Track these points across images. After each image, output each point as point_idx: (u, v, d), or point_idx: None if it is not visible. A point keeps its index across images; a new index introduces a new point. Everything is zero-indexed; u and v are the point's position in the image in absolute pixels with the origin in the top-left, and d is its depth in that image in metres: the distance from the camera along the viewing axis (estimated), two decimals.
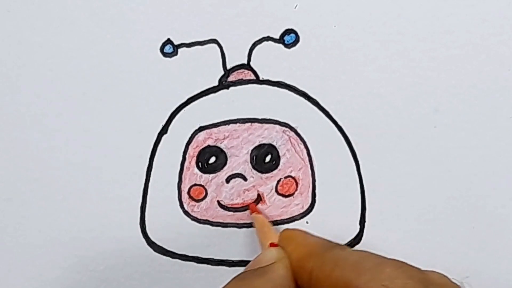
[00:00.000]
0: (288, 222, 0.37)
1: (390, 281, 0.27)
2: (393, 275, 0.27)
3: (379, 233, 0.37)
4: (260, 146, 0.37)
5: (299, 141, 0.37)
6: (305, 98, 0.37)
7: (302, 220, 0.37)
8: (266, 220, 0.36)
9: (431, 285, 0.27)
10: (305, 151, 0.37)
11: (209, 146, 0.37)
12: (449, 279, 0.29)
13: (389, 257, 0.29)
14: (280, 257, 0.32)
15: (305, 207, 0.37)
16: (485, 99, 0.37)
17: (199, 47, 0.36)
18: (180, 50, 0.36)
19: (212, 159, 0.37)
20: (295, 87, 0.37)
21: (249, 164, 0.37)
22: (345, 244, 0.37)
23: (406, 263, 0.29)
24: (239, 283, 0.30)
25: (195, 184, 0.37)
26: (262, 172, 0.37)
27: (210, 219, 0.37)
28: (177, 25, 0.36)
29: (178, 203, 0.37)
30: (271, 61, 0.37)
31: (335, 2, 0.36)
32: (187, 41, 0.36)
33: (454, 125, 0.37)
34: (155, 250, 0.37)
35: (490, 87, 0.37)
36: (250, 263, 0.32)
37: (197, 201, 0.37)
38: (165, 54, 0.36)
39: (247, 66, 0.37)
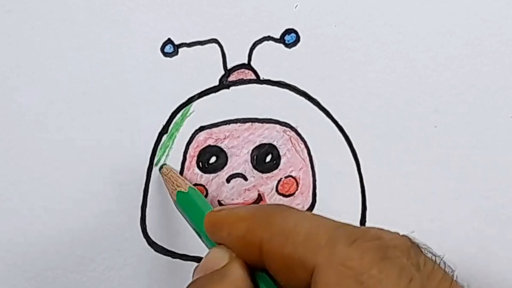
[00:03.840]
0: None
1: (347, 258, 0.25)
2: (348, 252, 0.25)
3: None
4: (261, 146, 0.37)
5: (300, 141, 0.37)
6: (305, 98, 0.37)
7: None
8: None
9: (389, 251, 0.25)
10: (305, 151, 0.37)
11: (209, 146, 0.37)
12: (408, 238, 0.27)
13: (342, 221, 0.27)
14: (232, 255, 0.29)
15: (306, 207, 0.37)
16: (485, 99, 0.37)
17: (199, 46, 0.36)
18: (180, 50, 0.36)
19: (213, 159, 0.37)
20: (295, 87, 0.37)
21: (250, 164, 0.37)
22: None
23: (358, 229, 0.27)
24: None
25: (196, 184, 0.37)
26: (262, 172, 0.37)
27: None
28: (177, 25, 0.36)
29: None
30: (271, 61, 0.37)
31: (335, 2, 0.36)
32: (187, 41, 0.36)
33: (454, 125, 0.37)
34: (155, 250, 0.37)
35: (490, 87, 0.37)
36: (199, 266, 0.29)
37: None
38: (165, 54, 0.36)
39: (247, 66, 0.37)
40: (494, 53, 0.36)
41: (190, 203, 0.34)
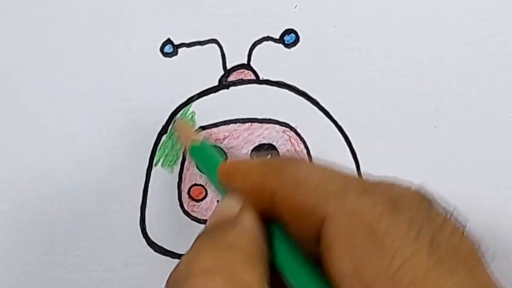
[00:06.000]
0: None
1: (357, 208, 0.24)
2: (359, 202, 0.25)
3: None
4: (260, 146, 0.37)
5: (299, 141, 0.37)
6: (305, 98, 0.37)
7: None
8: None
9: (400, 202, 0.25)
10: (305, 151, 0.37)
11: None
12: (419, 191, 0.26)
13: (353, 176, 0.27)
14: (244, 204, 0.28)
15: None
16: (485, 99, 0.37)
17: (199, 47, 0.36)
18: (180, 50, 0.36)
19: None
20: (295, 87, 0.37)
21: None
22: None
23: (370, 181, 0.26)
24: (210, 241, 0.27)
25: (195, 184, 0.37)
26: None
27: None
28: (177, 25, 0.36)
29: (178, 203, 0.37)
30: (271, 61, 0.37)
31: (335, 2, 0.36)
32: (187, 41, 0.36)
33: (454, 125, 0.37)
34: (155, 250, 0.37)
35: (490, 87, 0.37)
36: (212, 215, 0.29)
37: (197, 201, 0.37)
38: (165, 54, 0.36)
39: (247, 66, 0.37)
40: (494, 53, 0.36)
41: (203, 155, 0.34)
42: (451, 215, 0.26)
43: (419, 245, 0.23)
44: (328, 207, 0.25)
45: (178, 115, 0.36)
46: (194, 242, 0.27)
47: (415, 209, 0.25)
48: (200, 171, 0.35)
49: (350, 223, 0.24)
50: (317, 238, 0.25)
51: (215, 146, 0.36)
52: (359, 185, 0.26)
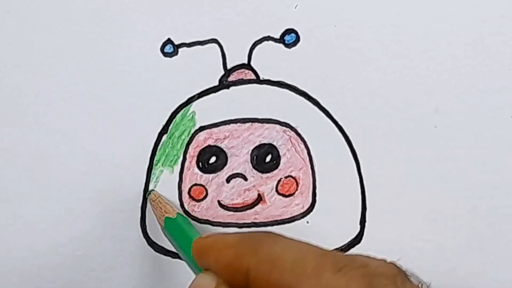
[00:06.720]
0: (288, 222, 0.37)
1: (333, 287, 0.25)
2: (335, 280, 0.25)
3: (379, 233, 0.37)
4: (261, 146, 0.37)
5: (300, 141, 0.37)
6: (305, 98, 0.37)
7: (302, 220, 0.37)
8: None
9: (376, 279, 0.25)
10: (305, 151, 0.37)
11: (209, 146, 0.37)
12: (394, 265, 0.27)
13: (354, 253, 0.28)
14: (219, 281, 0.29)
15: (306, 207, 0.37)
16: (485, 99, 0.37)
17: (199, 47, 0.36)
18: (180, 50, 0.36)
19: (213, 159, 0.37)
20: (295, 87, 0.37)
21: (250, 164, 0.37)
22: (345, 244, 0.37)
23: (345, 257, 0.27)
24: None
25: (196, 184, 0.37)
26: (262, 172, 0.37)
27: (211, 219, 0.37)
28: (177, 25, 0.36)
29: (178, 203, 0.37)
30: (271, 61, 0.37)
31: (335, 2, 0.36)
32: (187, 41, 0.36)
33: (454, 125, 0.37)
34: (155, 250, 0.37)
35: (490, 87, 0.37)
36: None
37: (198, 201, 0.37)
38: (165, 54, 0.36)
39: (247, 66, 0.37)
40: (494, 53, 0.36)
41: (178, 229, 0.34)
42: None
43: None
44: (304, 286, 0.25)
45: (150, 191, 0.37)
46: None
47: (391, 285, 0.25)
48: (174, 247, 0.34)
49: None
50: None
51: (189, 221, 0.36)
52: (334, 261, 0.26)
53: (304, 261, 0.26)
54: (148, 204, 0.37)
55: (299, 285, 0.25)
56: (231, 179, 0.37)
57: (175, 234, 0.34)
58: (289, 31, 0.36)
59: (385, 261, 0.27)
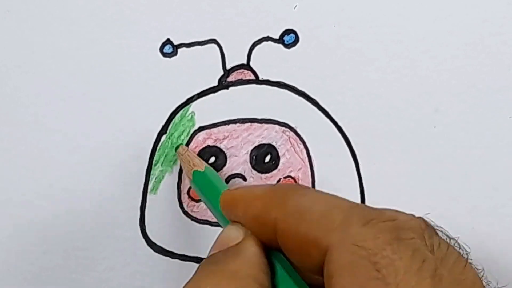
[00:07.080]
0: None
1: (360, 239, 0.24)
2: (363, 233, 0.24)
3: None
4: (260, 146, 0.37)
5: (299, 141, 0.37)
6: (304, 98, 0.37)
7: None
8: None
9: (403, 232, 0.25)
10: (304, 151, 0.37)
11: (208, 146, 0.37)
12: (423, 219, 0.26)
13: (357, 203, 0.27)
14: (247, 233, 0.29)
15: None
16: (485, 99, 0.37)
17: (198, 47, 0.36)
18: (179, 50, 0.36)
19: (212, 159, 0.37)
20: (294, 87, 0.37)
21: (249, 164, 0.37)
22: None
23: (373, 210, 0.26)
24: (213, 268, 0.27)
25: None
26: (261, 172, 0.37)
27: (210, 219, 0.37)
28: (177, 25, 0.36)
29: (178, 203, 0.37)
30: (270, 61, 0.37)
31: (335, 2, 0.36)
32: (186, 41, 0.36)
33: (454, 125, 0.37)
34: (155, 250, 0.37)
35: (490, 87, 0.37)
36: (214, 243, 0.29)
37: (197, 201, 0.37)
38: (164, 54, 0.36)
39: (246, 66, 0.37)
40: (494, 53, 0.36)
41: (206, 182, 0.34)
42: (454, 245, 0.26)
43: (422, 277, 0.23)
44: (331, 238, 0.25)
45: (178, 144, 0.36)
46: (197, 270, 0.27)
47: (419, 239, 0.25)
48: (203, 200, 0.34)
49: (353, 254, 0.24)
50: (320, 268, 0.25)
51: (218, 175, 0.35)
52: (362, 214, 0.26)
53: (331, 214, 0.26)
54: (149, 205, 0.37)
55: (327, 238, 0.25)
56: (230, 179, 0.37)
57: (203, 187, 0.34)
58: (288, 31, 0.36)
59: (413, 215, 0.26)
